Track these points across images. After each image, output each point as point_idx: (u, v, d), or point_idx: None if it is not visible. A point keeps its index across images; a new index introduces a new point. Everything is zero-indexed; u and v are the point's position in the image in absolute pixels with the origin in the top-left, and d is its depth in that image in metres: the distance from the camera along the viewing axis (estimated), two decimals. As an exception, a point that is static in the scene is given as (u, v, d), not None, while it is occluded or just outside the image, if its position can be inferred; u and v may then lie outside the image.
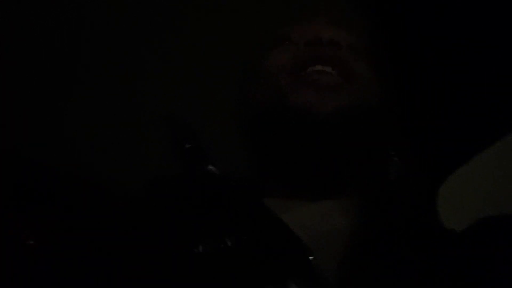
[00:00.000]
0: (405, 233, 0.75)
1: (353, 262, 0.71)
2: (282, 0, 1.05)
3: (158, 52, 1.09)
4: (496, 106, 0.88)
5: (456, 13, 0.87)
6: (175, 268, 0.69)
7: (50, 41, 1.06)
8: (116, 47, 1.09)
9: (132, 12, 1.08)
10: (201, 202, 0.77)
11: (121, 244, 0.72)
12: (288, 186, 0.82)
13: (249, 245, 0.71)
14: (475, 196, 1.10)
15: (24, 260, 0.72)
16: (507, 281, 0.70)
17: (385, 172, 0.85)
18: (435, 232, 0.79)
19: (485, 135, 0.91)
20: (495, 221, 0.76)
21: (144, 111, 1.07)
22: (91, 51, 1.08)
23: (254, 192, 0.80)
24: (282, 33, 0.89)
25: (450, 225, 0.82)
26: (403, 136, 0.89)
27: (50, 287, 0.71)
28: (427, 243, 0.75)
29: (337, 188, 0.82)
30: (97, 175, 0.98)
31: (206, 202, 0.77)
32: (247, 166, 0.88)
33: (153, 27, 1.09)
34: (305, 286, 0.68)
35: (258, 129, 0.86)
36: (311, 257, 0.70)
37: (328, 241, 0.74)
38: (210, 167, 0.83)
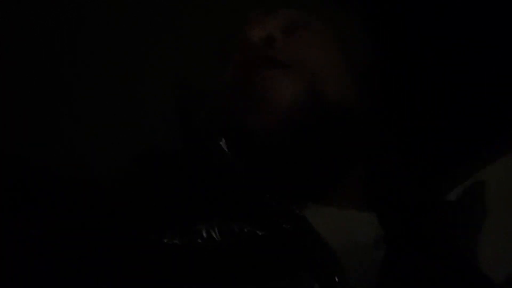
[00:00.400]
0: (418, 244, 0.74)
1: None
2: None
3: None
4: (496, 109, 0.88)
5: (455, 12, 0.86)
6: (175, 257, 0.66)
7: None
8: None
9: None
10: (205, 182, 0.72)
11: (107, 227, 0.68)
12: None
13: (263, 238, 0.68)
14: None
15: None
16: None
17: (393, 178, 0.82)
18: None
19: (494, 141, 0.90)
20: None
21: (149, 78, 1.02)
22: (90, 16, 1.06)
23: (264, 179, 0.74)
24: (223, 51, 0.83)
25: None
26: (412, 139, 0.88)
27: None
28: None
29: (334, 196, 0.76)
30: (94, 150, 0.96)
31: (212, 183, 0.72)
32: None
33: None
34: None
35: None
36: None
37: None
38: (221, 142, 0.75)
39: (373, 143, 0.82)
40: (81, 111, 1.01)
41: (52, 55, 1.02)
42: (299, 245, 0.68)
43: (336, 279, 0.65)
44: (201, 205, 0.69)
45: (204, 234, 0.66)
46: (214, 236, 0.66)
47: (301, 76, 0.76)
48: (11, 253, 0.66)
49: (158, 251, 0.66)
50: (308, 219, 0.69)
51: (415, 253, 0.73)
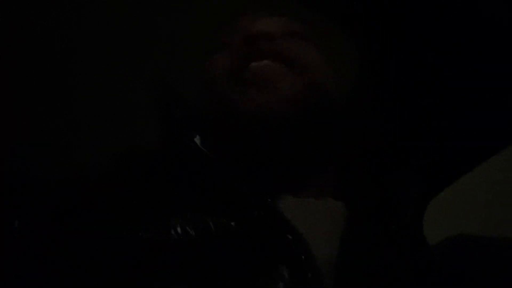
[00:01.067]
0: (388, 239, 0.73)
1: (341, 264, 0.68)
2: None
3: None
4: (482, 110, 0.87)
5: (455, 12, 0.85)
6: (148, 252, 0.65)
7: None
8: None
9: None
10: (180, 178, 0.72)
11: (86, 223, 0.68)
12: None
13: (236, 230, 0.68)
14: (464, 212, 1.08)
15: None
16: None
17: (371, 173, 0.81)
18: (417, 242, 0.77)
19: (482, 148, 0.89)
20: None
21: (128, 74, 1.01)
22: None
23: (239, 174, 0.74)
24: (216, 40, 0.83)
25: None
26: (398, 140, 0.87)
27: None
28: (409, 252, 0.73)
29: (311, 187, 0.77)
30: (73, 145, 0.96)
31: (187, 178, 0.72)
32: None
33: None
34: (300, 274, 0.65)
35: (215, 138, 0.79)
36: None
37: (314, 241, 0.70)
38: (196, 139, 0.76)
39: (358, 139, 0.83)
40: (60, 110, 1.01)
41: (30, 54, 1.01)
42: (269, 231, 0.68)
43: (304, 263, 0.65)
44: (175, 200, 0.70)
45: (179, 229, 0.66)
46: (189, 230, 0.66)
47: (303, 73, 0.78)
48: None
49: (133, 245, 0.66)
50: (278, 207, 0.70)
51: (382, 241, 0.73)
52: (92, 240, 0.66)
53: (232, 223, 0.67)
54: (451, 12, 0.81)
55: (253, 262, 0.65)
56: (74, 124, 0.99)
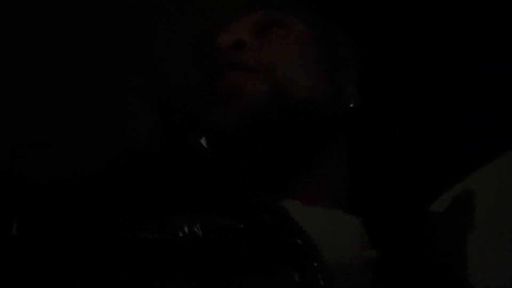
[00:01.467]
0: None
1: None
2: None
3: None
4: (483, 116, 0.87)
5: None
6: (155, 252, 0.65)
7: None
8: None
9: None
10: (186, 179, 0.72)
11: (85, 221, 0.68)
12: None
13: (244, 232, 0.67)
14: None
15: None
16: None
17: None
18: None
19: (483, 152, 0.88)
20: None
21: (129, 76, 1.01)
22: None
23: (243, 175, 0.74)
24: (203, 49, 0.83)
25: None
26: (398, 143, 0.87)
27: None
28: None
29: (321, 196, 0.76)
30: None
31: (193, 179, 0.72)
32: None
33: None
34: (312, 280, 0.65)
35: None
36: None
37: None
38: (202, 140, 0.76)
39: (358, 145, 0.83)
40: (60, 111, 1.00)
41: (30, 54, 1.01)
42: (279, 235, 0.68)
43: (316, 267, 0.65)
44: (183, 200, 0.70)
45: (186, 229, 0.66)
46: (196, 231, 0.66)
47: (267, 77, 0.77)
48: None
49: (140, 245, 0.66)
50: (287, 210, 0.70)
51: (398, 259, 0.73)
52: (97, 241, 0.66)
53: (241, 225, 0.67)
54: (450, 12, 0.82)
55: (261, 264, 0.65)
56: (76, 125, 0.99)
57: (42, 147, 0.95)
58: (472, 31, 0.86)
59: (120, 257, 0.65)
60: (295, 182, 0.77)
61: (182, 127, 0.78)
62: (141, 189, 0.72)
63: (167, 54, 0.97)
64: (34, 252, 0.66)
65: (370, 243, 0.72)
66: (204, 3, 0.96)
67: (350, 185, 0.81)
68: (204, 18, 0.93)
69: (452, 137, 0.88)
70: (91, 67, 1.00)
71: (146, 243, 0.65)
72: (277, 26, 0.81)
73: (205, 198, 0.70)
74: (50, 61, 1.00)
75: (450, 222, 0.84)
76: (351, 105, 0.82)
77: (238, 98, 0.75)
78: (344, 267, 0.68)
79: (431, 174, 0.88)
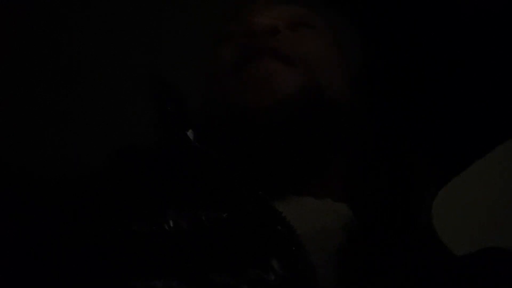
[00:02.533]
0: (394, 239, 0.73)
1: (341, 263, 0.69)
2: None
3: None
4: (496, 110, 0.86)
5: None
6: (142, 245, 0.65)
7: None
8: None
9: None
10: (174, 173, 0.73)
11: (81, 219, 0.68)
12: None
13: (227, 222, 0.68)
14: (471, 205, 1.07)
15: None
16: None
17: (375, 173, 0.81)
18: (427, 242, 0.76)
19: (484, 140, 0.88)
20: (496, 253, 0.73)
21: (123, 70, 1.01)
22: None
23: (234, 169, 0.74)
24: (222, 29, 0.84)
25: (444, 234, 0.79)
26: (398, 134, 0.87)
27: None
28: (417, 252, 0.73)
29: (310, 185, 0.77)
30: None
31: (181, 173, 0.73)
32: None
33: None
34: (290, 263, 0.65)
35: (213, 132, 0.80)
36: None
37: (315, 240, 0.70)
38: (190, 134, 0.77)
39: (357, 138, 0.83)
40: (56, 108, 1.01)
41: (29, 52, 1.02)
42: (260, 223, 0.68)
43: (294, 252, 0.65)
44: (168, 193, 0.70)
45: (171, 222, 0.66)
46: (181, 223, 0.67)
47: (302, 70, 0.78)
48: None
49: (126, 239, 0.66)
50: (270, 200, 0.70)
51: (388, 243, 0.72)
52: (84, 234, 0.67)
53: (224, 215, 0.68)
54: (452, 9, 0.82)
55: (245, 254, 0.65)
56: (70, 120, 0.99)
57: (36, 142, 0.96)
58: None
59: (107, 250, 0.65)
60: (306, 179, 0.78)
61: (173, 121, 0.78)
62: (128, 182, 0.72)
63: (164, 50, 0.98)
64: (25, 247, 0.67)
65: (361, 231, 0.73)
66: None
67: (344, 173, 0.82)
68: (202, 14, 0.94)
69: (448, 131, 0.88)
70: (88, 64, 1.01)
71: (133, 236, 0.66)
72: (304, 25, 0.82)
73: (190, 191, 0.71)
74: (47, 59, 1.01)
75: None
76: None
77: (273, 87, 0.76)
78: (326, 252, 0.68)
79: (433, 166, 0.87)
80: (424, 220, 0.77)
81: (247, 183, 0.72)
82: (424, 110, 0.87)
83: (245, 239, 0.67)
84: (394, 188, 0.79)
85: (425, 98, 0.87)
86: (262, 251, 0.65)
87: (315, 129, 0.77)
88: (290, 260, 0.65)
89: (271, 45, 0.78)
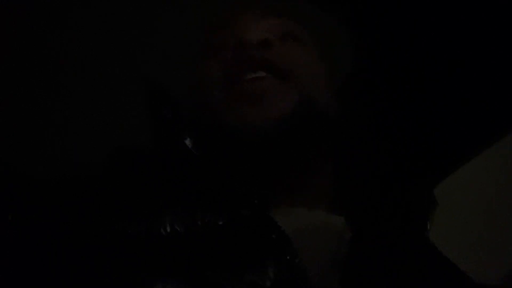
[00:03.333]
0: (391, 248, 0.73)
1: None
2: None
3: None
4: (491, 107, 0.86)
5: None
6: (138, 248, 0.65)
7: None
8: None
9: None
10: (171, 177, 0.73)
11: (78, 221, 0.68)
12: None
13: (223, 229, 0.68)
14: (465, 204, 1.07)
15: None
16: None
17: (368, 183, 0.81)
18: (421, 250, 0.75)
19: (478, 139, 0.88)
20: None
21: (120, 74, 1.00)
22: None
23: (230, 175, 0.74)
24: (210, 40, 0.82)
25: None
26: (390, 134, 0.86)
27: None
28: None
29: (303, 197, 0.77)
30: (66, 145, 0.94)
31: (177, 178, 0.72)
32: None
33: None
34: (286, 275, 0.65)
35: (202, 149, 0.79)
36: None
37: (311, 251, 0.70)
38: (187, 141, 0.76)
39: (345, 147, 0.83)
40: (53, 110, 0.99)
41: (25, 53, 1.00)
42: (255, 230, 0.68)
43: (288, 260, 0.66)
44: (165, 198, 0.70)
45: (168, 226, 0.66)
46: (177, 227, 0.67)
47: (295, 84, 0.77)
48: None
49: (123, 242, 0.66)
50: (265, 207, 0.71)
51: (381, 253, 0.73)
52: (80, 236, 0.67)
53: (220, 222, 0.67)
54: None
55: (241, 260, 0.65)
56: (67, 123, 0.98)
57: (35, 144, 0.95)
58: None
59: (103, 252, 0.65)
60: (298, 191, 0.77)
61: (169, 126, 0.78)
62: (125, 186, 0.72)
63: (159, 54, 0.96)
64: (20, 247, 0.66)
65: (353, 242, 0.72)
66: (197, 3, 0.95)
67: (335, 184, 0.82)
68: (196, 17, 0.92)
69: (438, 138, 0.88)
70: (83, 66, 1.00)
71: (129, 239, 0.65)
72: (292, 38, 0.81)
73: (186, 196, 0.70)
74: (42, 60, 1.00)
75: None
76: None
77: (267, 102, 0.74)
78: (320, 263, 0.69)
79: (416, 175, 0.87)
80: (419, 231, 0.76)
81: (243, 191, 0.72)
82: (413, 117, 0.87)
83: (241, 246, 0.67)
84: (386, 199, 0.79)
85: (413, 104, 0.87)
86: (258, 258, 0.65)
87: (305, 142, 0.77)
88: (284, 268, 0.65)
89: (264, 58, 0.76)
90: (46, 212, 0.69)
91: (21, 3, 0.97)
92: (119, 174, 0.74)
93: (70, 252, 0.65)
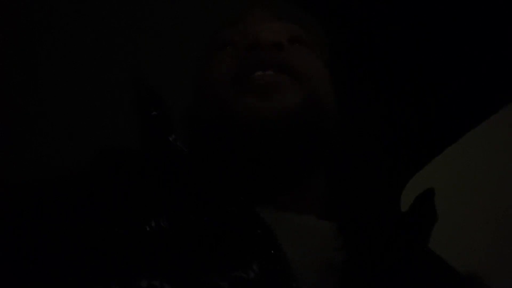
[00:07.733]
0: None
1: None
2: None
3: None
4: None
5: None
6: (123, 244, 0.65)
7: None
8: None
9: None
10: (156, 175, 0.73)
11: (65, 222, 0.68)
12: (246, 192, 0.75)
13: (209, 225, 0.68)
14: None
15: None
16: None
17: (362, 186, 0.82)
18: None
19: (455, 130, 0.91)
20: None
21: (108, 74, 1.01)
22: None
23: (218, 173, 0.75)
24: (221, 37, 0.84)
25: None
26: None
27: None
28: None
29: (295, 200, 0.78)
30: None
31: (163, 175, 0.73)
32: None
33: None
34: (270, 269, 0.66)
35: (209, 142, 0.81)
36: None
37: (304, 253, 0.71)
38: (173, 137, 0.76)
39: (338, 153, 0.84)
40: (41, 109, 0.99)
41: (19, 52, 1.00)
42: (241, 226, 0.69)
43: (273, 255, 0.66)
44: (150, 195, 0.70)
45: (153, 224, 0.67)
46: (163, 225, 0.67)
47: (306, 85, 0.78)
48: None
49: (108, 240, 0.66)
50: (251, 204, 0.71)
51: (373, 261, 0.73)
52: (66, 236, 0.67)
53: (205, 218, 0.68)
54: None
55: (227, 254, 0.66)
56: (55, 122, 0.98)
57: (20, 145, 0.95)
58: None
59: (89, 251, 0.65)
60: (290, 194, 0.79)
61: (160, 127, 0.78)
62: (111, 185, 0.72)
63: (149, 53, 0.97)
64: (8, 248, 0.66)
65: (344, 248, 0.73)
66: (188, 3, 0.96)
67: (326, 190, 0.83)
68: (188, 18, 0.94)
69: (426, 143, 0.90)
70: (73, 66, 0.99)
71: (116, 237, 0.66)
72: (298, 43, 0.83)
73: (172, 193, 0.71)
74: (32, 60, 1.00)
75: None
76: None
77: (276, 95, 0.76)
78: (309, 269, 0.69)
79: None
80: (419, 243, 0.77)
81: (229, 188, 0.72)
82: (410, 122, 0.88)
83: (227, 241, 0.67)
84: (377, 205, 0.81)
85: (410, 110, 0.89)
86: (243, 252, 0.66)
87: (308, 140, 0.78)
88: (269, 262, 0.66)
89: (277, 60, 0.78)
90: (31, 211, 0.69)
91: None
92: (104, 172, 0.74)
93: (55, 252, 0.65)
